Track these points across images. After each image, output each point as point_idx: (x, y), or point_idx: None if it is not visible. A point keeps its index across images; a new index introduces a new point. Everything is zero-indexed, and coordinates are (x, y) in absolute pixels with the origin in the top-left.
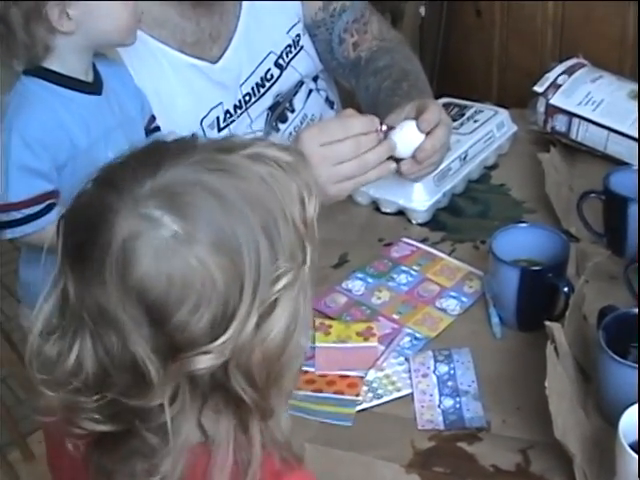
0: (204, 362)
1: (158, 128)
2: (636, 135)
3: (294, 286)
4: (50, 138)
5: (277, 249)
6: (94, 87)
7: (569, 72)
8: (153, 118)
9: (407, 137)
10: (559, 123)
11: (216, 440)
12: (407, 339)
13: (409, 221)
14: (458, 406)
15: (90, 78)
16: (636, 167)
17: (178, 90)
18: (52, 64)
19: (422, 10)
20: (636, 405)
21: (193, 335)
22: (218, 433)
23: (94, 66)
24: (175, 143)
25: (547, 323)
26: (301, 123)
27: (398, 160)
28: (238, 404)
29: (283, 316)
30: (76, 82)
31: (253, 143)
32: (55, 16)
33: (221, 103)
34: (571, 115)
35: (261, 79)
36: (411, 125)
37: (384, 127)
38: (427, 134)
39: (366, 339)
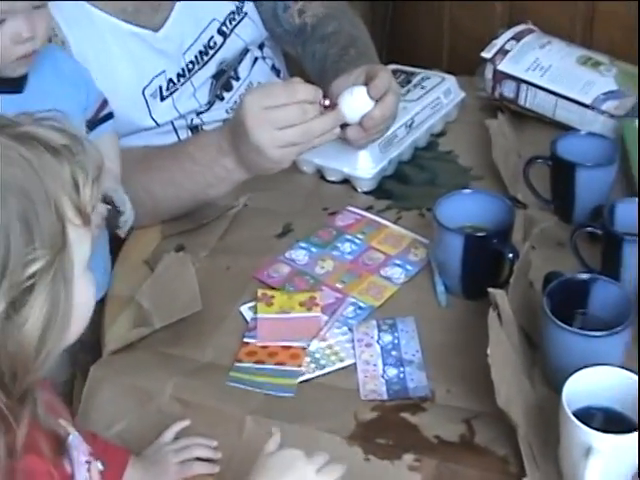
0: None
1: (111, 115)
2: (584, 101)
3: (50, 272)
4: None
5: (34, 233)
6: (13, 85)
7: (517, 38)
8: (105, 103)
9: (356, 103)
10: (507, 89)
11: None
12: (351, 308)
13: (354, 189)
14: (402, 376)
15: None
16: (583, 132)
17: (119, 58)
18: None
19: None
20: (580, 372)
21: None
22: None
23: None
24: None
25: (490, 290)
26: (246, 91)
27: (344, 125)
28: None
29: (39, 305)
30: None
31: (23, 122)
32: None
33: (164, 72)
34: (519, 81)
35: (204, 47)
36: (361, 91)
37: (326, 102)
38: (376, 101)
39: (309, 309)
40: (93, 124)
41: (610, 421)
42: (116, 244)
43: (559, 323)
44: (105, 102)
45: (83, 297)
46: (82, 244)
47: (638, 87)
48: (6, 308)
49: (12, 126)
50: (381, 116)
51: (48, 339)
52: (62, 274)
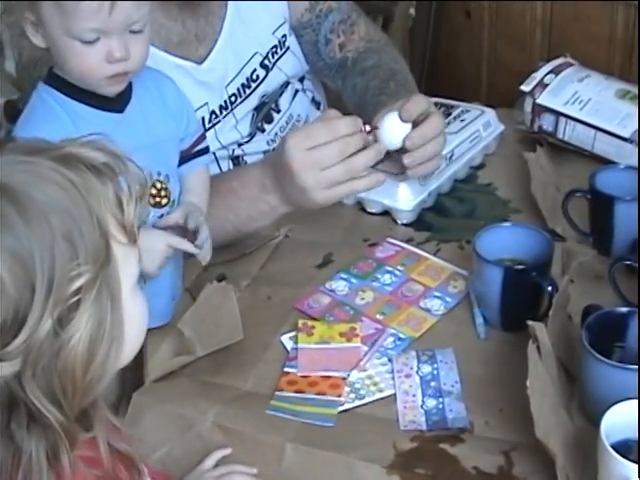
0: None
1: (206, 149)
2: (623, 134)
3: (94, 287)
4: None
5: (78, 250)
6: (115, 104)
7: (556, 71)
8: (202, 138)
9: (391, 128)
10: (546, 122)
11: (24, 459)
12: (390, 339)
13: (394, 221)
14: (441, 407)
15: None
16: (622, 166)
17: None
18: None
19: (412, 11)
20: (618, 405)
21: None
22: (28, 452)
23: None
24: None
25: (529, 322)
26: (287, 123)
27: (388, 153)
28: (44, 425)
29: (84, 320)
30: (92, 97)
31: (66, 145)
32: (29, 27)
33: (206, 103)
34: (558, 114)
35: (247, 80)
36: (393, 115)
37: (367, 127)
38: (416, 124)
39: (349, 340)
40: (187, 157)
41: None
42: None
43: (597, 356)
44: (202, 137)
45: (134, 316)
46: (128, 262)
47: (638, 107)
48: (53, 325)
49: (53, 149)
50: (421, 136)
51: (96, 356)
52: (108, 290)
